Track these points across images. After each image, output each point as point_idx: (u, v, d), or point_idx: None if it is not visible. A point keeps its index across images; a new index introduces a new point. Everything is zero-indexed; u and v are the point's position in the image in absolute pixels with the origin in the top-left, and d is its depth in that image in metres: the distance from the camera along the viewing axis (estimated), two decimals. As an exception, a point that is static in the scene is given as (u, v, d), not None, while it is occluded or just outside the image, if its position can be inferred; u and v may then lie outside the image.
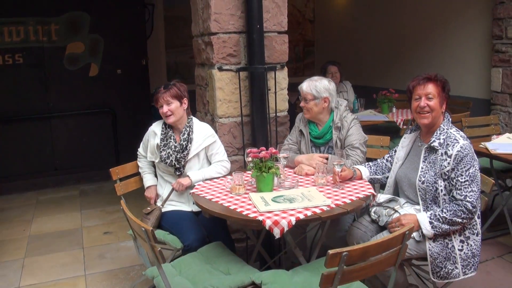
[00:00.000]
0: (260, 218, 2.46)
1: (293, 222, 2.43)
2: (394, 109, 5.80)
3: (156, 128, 3.42)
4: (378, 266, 2.12)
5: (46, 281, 3.86)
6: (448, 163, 2.73)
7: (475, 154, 2.82)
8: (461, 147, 2.73)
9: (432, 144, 2.82)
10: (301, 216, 2.47)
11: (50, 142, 6.60)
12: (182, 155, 3.26)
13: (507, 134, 4.41)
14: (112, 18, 6.61)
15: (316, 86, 3.35)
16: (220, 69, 3.67)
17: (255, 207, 2.61)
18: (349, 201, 2.70)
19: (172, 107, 3.24)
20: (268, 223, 2.42)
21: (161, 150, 3.30)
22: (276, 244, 3.55)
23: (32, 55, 6.35)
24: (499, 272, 3.78)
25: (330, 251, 1.87)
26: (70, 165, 6.69)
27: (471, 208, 2.68)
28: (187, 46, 7.96)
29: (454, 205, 2.70)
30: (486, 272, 3.76)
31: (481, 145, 4.09)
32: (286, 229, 2.41)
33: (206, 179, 3.24)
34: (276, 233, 2.41)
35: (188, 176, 3.24)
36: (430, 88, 2.86)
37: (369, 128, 4.75)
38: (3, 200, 5.89)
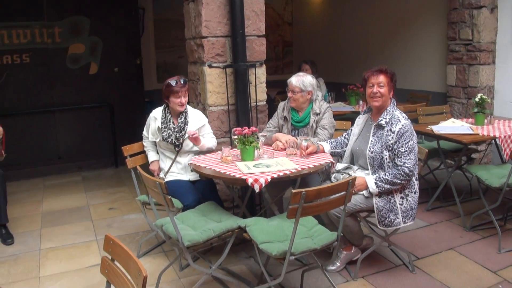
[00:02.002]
0: (244, 177, 3.23)
1: (269, 180, 3.19)
2: (360, 102, 6.56)
3: (156, 114, 4.17)
4: (330, 205, 2.90)
5: (63, 245, 4.50)
6: (392, 138, 3.51)
7: (414, 131, 3.60)
8: (403, 125, 3.51)
9: (380, 123, 3.61)
10: (275, 176, 3.24)
11: (54, 133, 7.08)
12: (180, 134, 4.03)
13: (452, 119, 5.16)
14: (109, 21, 7.12)
15: (303, 81, 4.14)
16: (210, 66, 4.43)
17: (240, 171, 3.37)
18: (312, 166, 3.48)
19: (187, 99, 4.04)
20: (250, 180, 3.18)
21: (162, 131, 4.05)
22: (257, 203, 4.33)
23: (38, 55, 6.81)
24: (446, 231, 4.54)
25: (293, 190, 2.64)
26: (72, 154, 7.21)
27: (408, 172, 3.46)
28: (174, 47, 8.63)
29: (395, 169, 3.48)
30: (435, 231, 4.54)
31: (428, 128, 4.86)
32: (263, 184, 3.17)
33: (205, 146, 4.05)
34: (256, 188, 3.17)
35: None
36: (381, 78, 3.63)
37: (339, 118, 5.42)
38: (13, 185, 6.36)
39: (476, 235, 4.40)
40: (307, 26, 10.07)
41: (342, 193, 2.89)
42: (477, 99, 4.87)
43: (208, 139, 4.16)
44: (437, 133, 4.70)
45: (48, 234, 4.79)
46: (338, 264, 3.77)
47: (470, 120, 5.17)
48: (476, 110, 4.91)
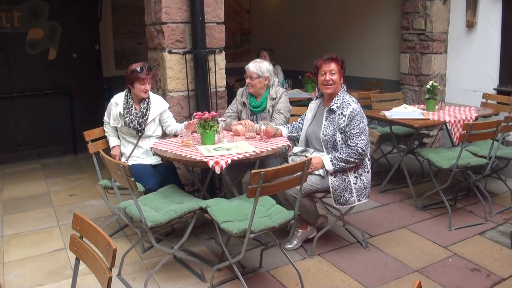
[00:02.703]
0: (205, 160, 3.35)
1: (229, 162, 3.32)
2: (317, 89, 6.72)
3: (117, 100, 4.22)
4: (287, 184, 3.05)
5: (26, 231, 4.53)
6: (344, 121, 3.69)
7: (364, 114, 3.80)
8: (353, 109, 3.70)
9: (331, 107, 3.78)
10: (235, 158, 3.37)
11: (13, 120, 6.98)
12: (142, 120, 4.11)
13: (404, 105, 5.39)
14: (68, 6, 7.05)
15: (260, 67, 4.27)
16: (170, 52, 4.50)
17: (201, 154, 3.48)
18: (270, 149, 3.62)
19: (151, 85, 4.12)
20: (211, 163, 3.31)
21: (124, 116, 4.11)
22: (217, 187, 4.46)
23: None
24: (398, 211, 4.78)
25: (252, 171, 2.78)
26: (31, 141, 7.13)
27: (361, 151, 3.65)
28: (133, 33, 8.60)
29: (349, 149, 3.66)
30: (388, 211, 4.78)
31: (380, 113, 5.07)
32: (224, 166, 3.29)
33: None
34: (217, 170, 3.30)
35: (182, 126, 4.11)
36: (333, 66, 3.80)
37: (296, 104, 5.57)
38: None
39: (428, 214, 4.66)
40: (265, 14, 10.19)
41: (298, 173, 3.04)
42: (428, 86, 5.10)
43: (178, 125, 4.27)
44: (389, 118, 4.90)
45: (10, 221, 4.80)
46: (295, 242, 3.95)
47: (422, 106, 5.40)
48: (427, 96, 5.14)
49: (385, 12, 7.25)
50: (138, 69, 4.03)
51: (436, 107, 5.20)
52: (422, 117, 4.82)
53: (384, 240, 4.14)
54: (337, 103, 3.76)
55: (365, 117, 3.79)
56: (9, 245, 4.24)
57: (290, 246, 3.93)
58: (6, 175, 6.44)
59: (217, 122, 3.82)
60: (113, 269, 3.46)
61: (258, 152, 3.53)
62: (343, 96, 3.79)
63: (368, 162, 3.82)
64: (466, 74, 6.34)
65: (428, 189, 5.00)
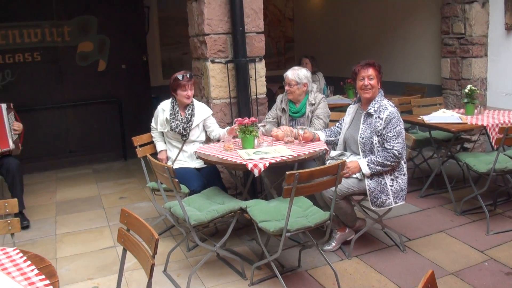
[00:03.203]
0: (244, 163, 3.53)
1: (267, 165, 3.48)
2: (358, 95, 6.81)
3: (164, 106, 4.49)
4: (322, 186, 3.19)
5: (78, 230, 4.82)
6: (380, 124, 3.80)
7: (400, 118, 3.88)
8: (390, 113, 3.80)
9: (369, 111, 3.89)
10: (273, 161, 3.54)
11: (65, 128, 7.39)
12: (187, 125, 4.35)
13: (443, 109, 5.38)
14: (116, 20, 7.40)
15: (299, 74, 4.44)
16: (212, 61, 4.73)
17: (241, 157, 3.67)
18: (308, 153, 3.77)
19: (192, 92, 4.36)
20: (250, 165, 3.48)
21: (170, 122, 4.35)
22: (259, 190, 4.65)
23: (48, 53, 7.12)
24: (437, 215, 4.81)
25: (288, 172, 2.93)
26: (83, 147, 7.52)
27: (397, 154, 3.74)
28: (179, 44, 8.88)
29: (385, 152, 3.76)
30: (427, 215, 4.81)
31: (419, 118, 5.12)
32: (262, 169, 3.46)
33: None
34: (256, 172, 3.47)
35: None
36: (371, 71, 3.92)
37: (337, 110, 5.69)
38: (26, 178, 6.30)
39: (466, 219, 4.67)
40: (307, 22, 10.32)
41: (333, 175, 3.18)
42: (466, 90, 5.12)
43: (221, 130, 4.49)
44: (427, 123, 4.94)
45: (63, 221, 5.11)
46: (333, 244, 4.06)
47: (462, 110, 5.40)
48: (466, 100, 5.16)
49: (425, 17, 7.26)
50: (180, 77, 4.29)
51: (475, 111, 5.20)
52: (460, 121, 4.85)
53: (421, 243, 4.19)
54: (374, 107, 3.87)
55: (401, 120, 3.87)
56: (62, 243, 4.54)
57: (329, 247, 4.05)
58: (59, 179, 6.81)
59: (257, 128, 3.99)
60: (159, 265, 3.75)
61: (296, 155, 3.68)
62: (380, 100, 3.90)
63: (404, 165, 3.90)
64: (507, 77, 6.28)
65: (468, 194, 4.99)
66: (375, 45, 8.30)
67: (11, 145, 4.85)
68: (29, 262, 2.11)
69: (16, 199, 2.79)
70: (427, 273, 1.69)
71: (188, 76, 4.32)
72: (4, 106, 4.88)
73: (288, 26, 10.68)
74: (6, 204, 2.68)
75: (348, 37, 9.02)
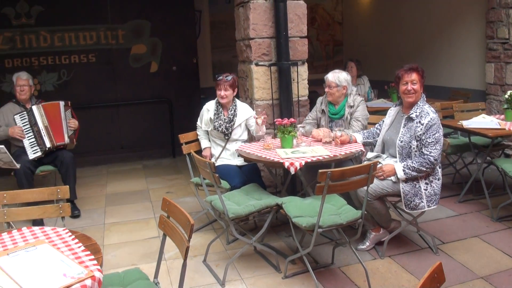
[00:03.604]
0: (281, 161, 3.72)
1: (303, 163, 3.66)
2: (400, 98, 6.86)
3: (209, 106, 4.74)
4: (353, 185, 3.35)
5: (125, 220, 5.14)
6: (421, 129, 3.88)
7: (441, 124, 3.95)
8: (431, 118, 3.87)
9: (410, 115, 3.98)
10: (309, 160, 3.71)
11: (117, 125, 7.77)
12: (230, 124, 4.59)
13: (483, 115, 5.37)
14: (168, 24, 7.72)
15: (339, 77, 4.60)
16: (257, 64, 4.95)
17: (279, 156, 3.86)
18: (343, 153, 3.93)
19: (227, 93, 4.56)
20: (286, 164, 3.67)
21: (214, 121, 4.60)
22: (298, 190, 4.84)
23: (103, 55, 7.52)
24: (473, 221, 4.83)
25: (320, 170, 3.11)
26: (134, 144, 7.89)
27: (433, 161, 3.82)
28: (229, 47, 9.06)
29: (421, 158, 3.84)
30: (463, 220, 4.84)
31: (458, 123, 5.14)
32: (298, 167, 3.64)
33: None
34: (292, 170, 3.65)
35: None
36: (414, 76, 3.98)
37: (380, 113, 5.74)
38: (79, 171, 6.60)
39: (502, 225, 4.67)
40: (356, 26, 10.39)
41: (365, 175, 3.33)
42: (506, 96, 5.11)
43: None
44: (465, 128, 4.97)
45: (111, 212, 5.44)
46: (368, 243, 4.19)
47: (502, 116, 5.40)
48: (506, 106, 5.15)
49: (471, 21, 7.23)
50: (218, 77, 4.54)
51: (515, 117, 5.18)
52: (498, 126, 4.87)
53: (454, 247, 4.24)
54: (416, 112, 3.95)
55: (441, 127, 3.93)
56: (109, 231, 4.86)
57: (363, 247, 4.17)
58: (110, 173, 7.20)
59: (296, 128, 4.17)
60: (199, 256, 3.98)
61: (332, 155, 3.84)
62: (422, 106, 3.97)
63: (439, 170, 3.98)
64: (549, 84, 6.20)
65: (506, 200, 5.02)
66: (421, 49, 8.30)
67: (66, 139, 5.25)
68: (76, 240, 2.36)
69: (67, 185, 3.09)
70: (435, 264, 1.82)
71: (226, 77, 4.52)
72: (62, 103, 5.28)
73: (337, 30, 10.76)
74: (59, 190, 2.98)
75: (395, 41, 9.06)
